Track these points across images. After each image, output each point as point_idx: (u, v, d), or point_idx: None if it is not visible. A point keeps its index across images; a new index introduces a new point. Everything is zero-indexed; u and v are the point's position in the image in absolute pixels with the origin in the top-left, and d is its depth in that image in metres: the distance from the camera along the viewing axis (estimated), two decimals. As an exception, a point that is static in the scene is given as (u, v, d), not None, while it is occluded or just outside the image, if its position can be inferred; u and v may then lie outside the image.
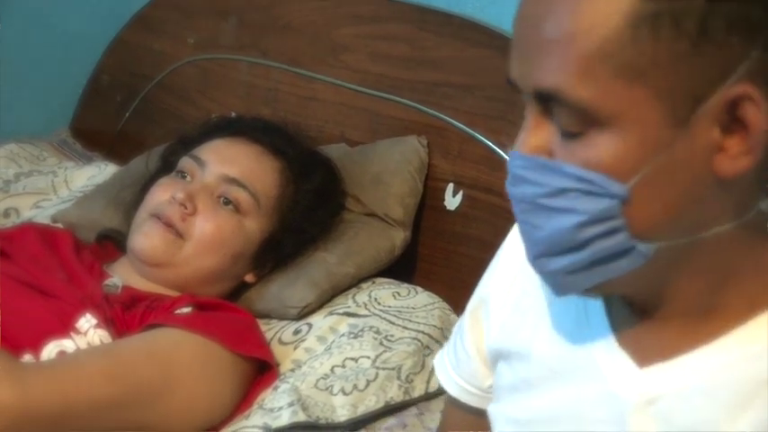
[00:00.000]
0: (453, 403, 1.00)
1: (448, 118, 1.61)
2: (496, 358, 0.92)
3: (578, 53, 0.66)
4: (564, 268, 0.72)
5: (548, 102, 0.69)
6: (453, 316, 1.34)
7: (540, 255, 0.74)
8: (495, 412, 0.91)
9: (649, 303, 0.77)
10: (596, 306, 0.82)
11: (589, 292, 0.75)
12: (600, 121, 0.68)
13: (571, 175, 0.69)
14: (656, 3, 0.65)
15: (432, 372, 1.20)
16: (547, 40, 0.68)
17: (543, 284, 0.85)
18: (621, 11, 0.65)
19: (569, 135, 0.69)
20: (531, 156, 0.71)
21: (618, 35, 0.65)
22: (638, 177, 0.68)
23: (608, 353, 0.80)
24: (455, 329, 1.01)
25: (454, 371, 0.98)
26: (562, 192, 0.69)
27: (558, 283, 0.76)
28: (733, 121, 0.67)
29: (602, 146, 0.68)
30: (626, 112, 0.67)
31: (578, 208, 0.69)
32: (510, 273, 0.92)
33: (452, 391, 0.98)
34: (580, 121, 0.68)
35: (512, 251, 0.93)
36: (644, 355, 0.77)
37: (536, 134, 0.71)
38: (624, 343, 0.79)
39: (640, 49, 0.66)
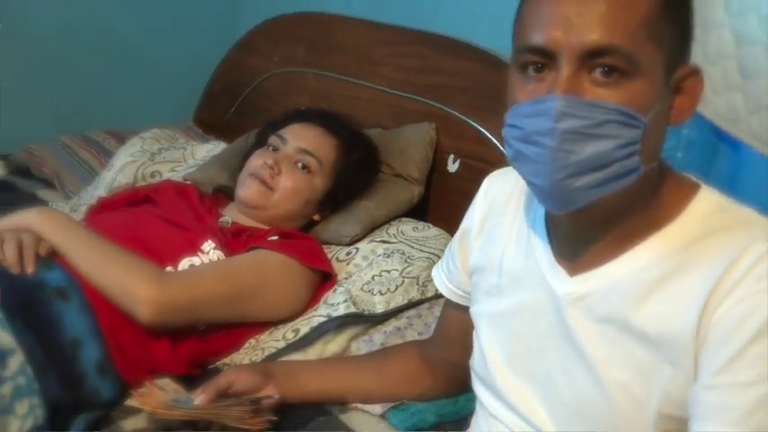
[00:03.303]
0: (448, 303, 1.10)
1: (450, 110, 1.77)
2: (475, 271, 1.00)
3: (628, 21, 0.72)
4: (586, 184, 0.74)
5: (592, 57, 0.73)
6: (452, 242, 1.35)
7: (569, 175, 0.74)
8: (476, 312, 0.99)
9: (594, 223, 0.82)
10: (542, 237, 0.90)
11: (581, 210, 0.78)
12: (634, 72, 0.73)
13: (613, 110, 0.72)
14: (670, 1, 0.75)
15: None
16: (601, 13, 0.72)
17: (513, 218, 0.95)
18: (653, 1, 0.73)
19: (605, 84, 0.73)
20: (576, 97, 0.73)
21: (653, 12, 0.73)
22: (650, 114, 0.74)
23: (550, 267, 0.88)
24: (446, 251, 1.09)
25: (447, 279, 1.08)
26: (605, 122, 0.73)
27: (569, 199, 0.77)
28: (678, 89, 0.78)
29: (634, 90, 0.73)
30: (651, 67, 0.74)
31: (617, 134, 0.73)
32: (483, 212, 1.01)
33: (446, 293, 1.08)
34: (621, 71, 0.73)
35: (483, 199, 1.02)
36: (574, 268, 0.85)
37: (572, 83, 0.73)
38: (560, 261, 0.87)
39: (663, 24, 0.74)
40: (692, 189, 0.83)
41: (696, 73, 0.79)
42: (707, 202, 0.81)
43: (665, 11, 0.75)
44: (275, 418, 1.10)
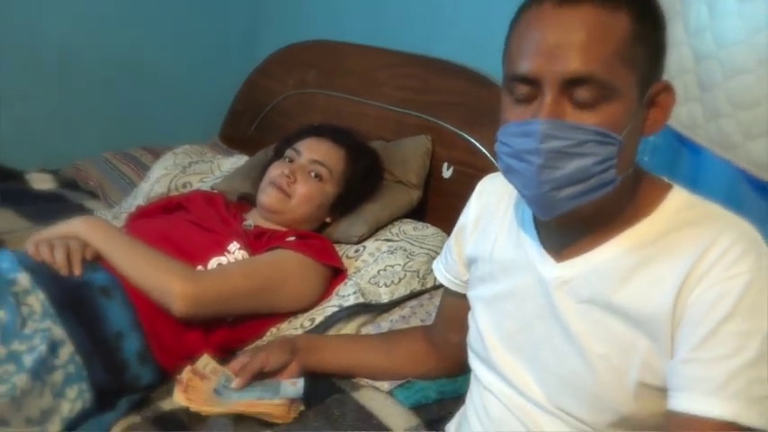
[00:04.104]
0: (446, 291, 1.10)
1: (444, 123, 1.79)
2: (470, 262, 1.01)
3: (604, 51, 0.72)
4: (570, 195, 0.75)
5: (572, 85, 0.72)
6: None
7: (554, 188, 0.75)
8: (472, 295, 1.00)
9: (578, 221, 0.81)
10: (530, 231, 0.90)
11: (564, 215, 0.78)
12: (610, 95, 0.72)
13: (591, 130, 0.72)
14: (642, 26, 0.74)
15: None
16: (579, 45, 0.71)
17: (503, 216, 0.95)
18: (627, 28, 0.73)
19: (585, 106, 0.72)
20: (558, 120, 0.73)
21: (627, 39, 0.73)
22: (625, 132, 0.74)
23: (538, 255, 0.88)
24: (445, 246, 1.10)
25: (446, 270, 1.08)
26: (585, 142, 0.72)
27: (553, 207, 0.77)
28: (652, 103, 0.78)
29: (610, 111, 0.72)
30: (625, 88, 0.73)
31: (595, 152, 0.73)
32: (477, 211, 1.01)
33: (445, 283, 1.08)
34: (598, 95, 0.72)
35: (477, 200, 1.02)
36: (560, 255, 0.86)
37: (555, 107, 0.73)
38: (547, 249, 0.87)
39: (636, 48, 0.73)
40: (665, 189, 0.83)
41: (668, 88, 0.79)
42: (678, 200, 0.81)
43: (637, 36, 0.74)
44: (303, 408, 1.10)
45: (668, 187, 0.83)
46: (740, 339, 0.71)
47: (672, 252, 0.77)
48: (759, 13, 1.05)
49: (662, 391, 0.77)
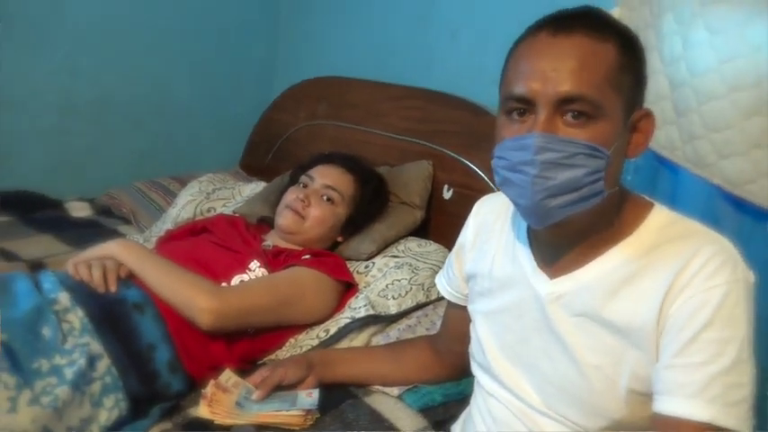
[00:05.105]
0: (449, 304, 1.10)
1: (444, 149, 1.78)
2: (470, 277, 1.00)
3: (594, 75, 0.72)
4: (562, 203, 0.74)
5: (564, 104, 0.72)
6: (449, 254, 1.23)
7: (547, 197, 0.74)
8: (472, 309, 0.99)
9: (568, 236, 0.81)
10: (525, 248, 0.89)
11: (555, 225, 0.77)
12: (598, 115, 0.72)
13: (582, 144, 0.72)
14: (627, 57, 0.75)
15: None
16: (572, 69, 0.72)
17: (499, 234, 0.93)
18: (614, 57, 0.74)
19: (575, 124, 0.73)
20: (551, 134, 0.72)
21: (614, 66, 0.73)
22: (612, 149, 0.74)
23: (533, 272, 0.87)
24: (446, 263, 1.09)
25: (447, 284, 1.07)
26: (575, 155, 0.72)
27: (547, 215, 0.76)
28: (635, 128, 0.78)
29: (598, 129, 0.73)
30: (612, 110, 0.73)
31: (585, 164, 0.73)
32: (474, 230, 1.01)
33: (448, 296, 1.08)
34: (587, 114, 0.72)
35: (474, 219, 1.02)
36: (552, 272, 0.85)
37: (548, 124, 0.73)
38: (541, 266, 0.86)
39: (622, 75, 0.74)
40: (647, 207, 0.82)
41: (649, 115, 0.79)
42: (660, 217, 0.81)
43: (623, 65, 0.74)
44: (318, 416, 1.09)
45: (650, 205, 0.82)
46: (718, 346, 0.71)
47: (655, 267, 0.76)
48: (728, 44, 1.06)
49: (650, 397, 0.76)
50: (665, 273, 0.75)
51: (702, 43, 1.10)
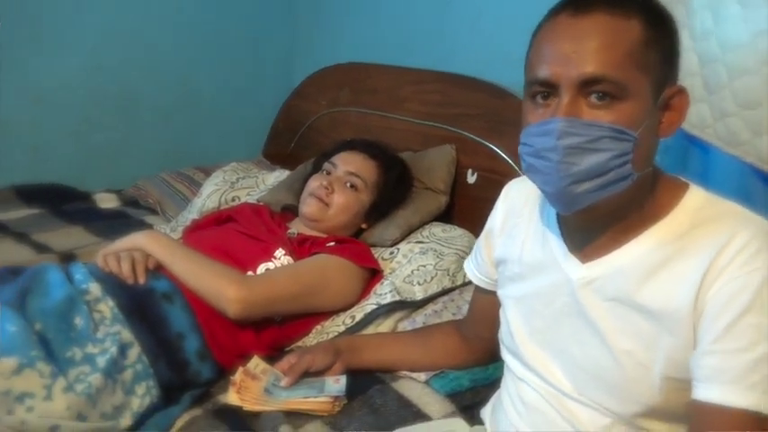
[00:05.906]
0: (477, 289, 1.09)
1: (466, 133, 1.76)
2: (499, 263, 1.00)
3: (616, 55, 0.70)
4: (588, 189, 0.73)
5: (587, 86, 0.70)
6: (475, 240, 1.29)
7: (572, 182, 0.73)
8: (502, 294, 0.98)
9: (599, 220, 0.79)
10: (555, 233, 0.88)
11: (583, 210, 0.76)
12: (623, 95, 0.70)
13: (606, 127, 0.71)
14: (653, 33, 0.72)
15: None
16: (594, 50, 0.70)
17: (528, 218, 0.92)
18: (638, 34, 0.71)
19: (599, 106, 0.71)
20: (574, 118, 0.71)
21: (638, 45, 0.71)
22: (640, 130, 0.72)
23: (564, 256, 0.86)
24: (475, 247, 1.09)
25: (476, 270, 1.07)
26: (600, 138, 0.71)
27: (574, 201, 0.75)
28: (667, 106, 0.76)
29: (624, 111, 0.71)
30: (638, 90, 0.71)
31: (610, 147, 0.71)
32: (503, 214, 0.99)
33: (477, 281, 1.07)
34: (611, 95, 0.70)
35: (503, 203, 1.01)
36: (584, 255, 0.84)
37: (571, 107, 0.71)
38: (572, 250, 0.85)
39: (648, 53, 0.71)
40: (683, 188, 0.80)
41: (682, 91, 0.76)
42: (695, 199, 0.79)
43: (648, 42, 0.72)
44: (346, 402, 1.10)
45: (686, 186, 0.80)
46: (757, 332, 0.69)
47: (691, 250, 0.74)
48: (761, 17, 1.03)
49: (687, 383, 0.75)
50: (701, 256, 0.73)
51: (734, 17, 1.07)
